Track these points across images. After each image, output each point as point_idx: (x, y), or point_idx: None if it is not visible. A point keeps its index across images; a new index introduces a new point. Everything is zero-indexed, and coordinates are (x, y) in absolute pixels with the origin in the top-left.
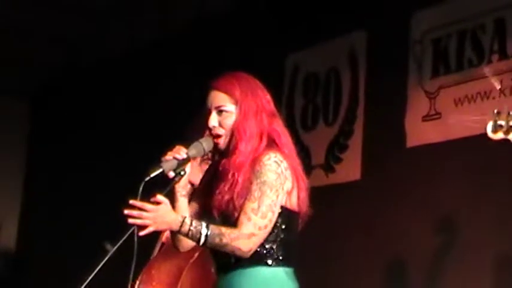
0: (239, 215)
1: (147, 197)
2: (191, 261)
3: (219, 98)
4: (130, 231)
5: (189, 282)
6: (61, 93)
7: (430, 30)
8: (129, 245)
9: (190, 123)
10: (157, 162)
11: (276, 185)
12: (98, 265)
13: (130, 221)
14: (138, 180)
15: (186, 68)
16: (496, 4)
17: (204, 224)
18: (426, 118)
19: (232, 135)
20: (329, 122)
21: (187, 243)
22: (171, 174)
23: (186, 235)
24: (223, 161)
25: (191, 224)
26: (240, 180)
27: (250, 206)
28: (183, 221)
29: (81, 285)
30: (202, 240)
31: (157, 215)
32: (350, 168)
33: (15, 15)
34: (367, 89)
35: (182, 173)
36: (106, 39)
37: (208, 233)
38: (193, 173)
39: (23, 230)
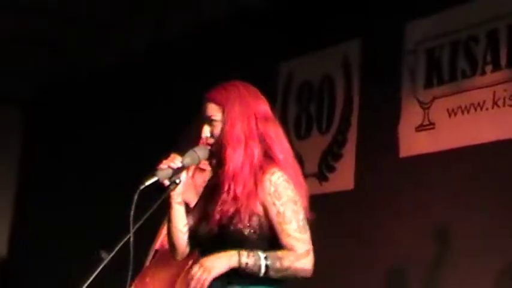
0: (280, 239)
1: (141, 205)
2: (185, 268)
3: (209, 108)
4: (125, 239)
5: None
6: (56, 100)
7: (424, 40)
8: (123, 253)
9: (184, 133)
10: (152, 171)
11: (296, 199)
12: (92, 273)
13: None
14: (131, 191)
15: (180, 76)
16: (488, 15)
17: (262, 255)
18: (419, 128)
19: (221, 143)
20: (323, 130)
21: (184, 251)
22: (166, 182)
23: (245, 268)
24: (219, 171)
25: (248, 256)
26: (239, 191)
27: (290, 227)
28: (239, 253)
29: None
30: (263, 270)
31: (206, 267)
32: (343, 177)
33: (13, 24)
34: (360, 98)
35: (177, 181)
36: (102, 49)
37: (269, 263)
38: (188, 193)
39: (14, 237)
